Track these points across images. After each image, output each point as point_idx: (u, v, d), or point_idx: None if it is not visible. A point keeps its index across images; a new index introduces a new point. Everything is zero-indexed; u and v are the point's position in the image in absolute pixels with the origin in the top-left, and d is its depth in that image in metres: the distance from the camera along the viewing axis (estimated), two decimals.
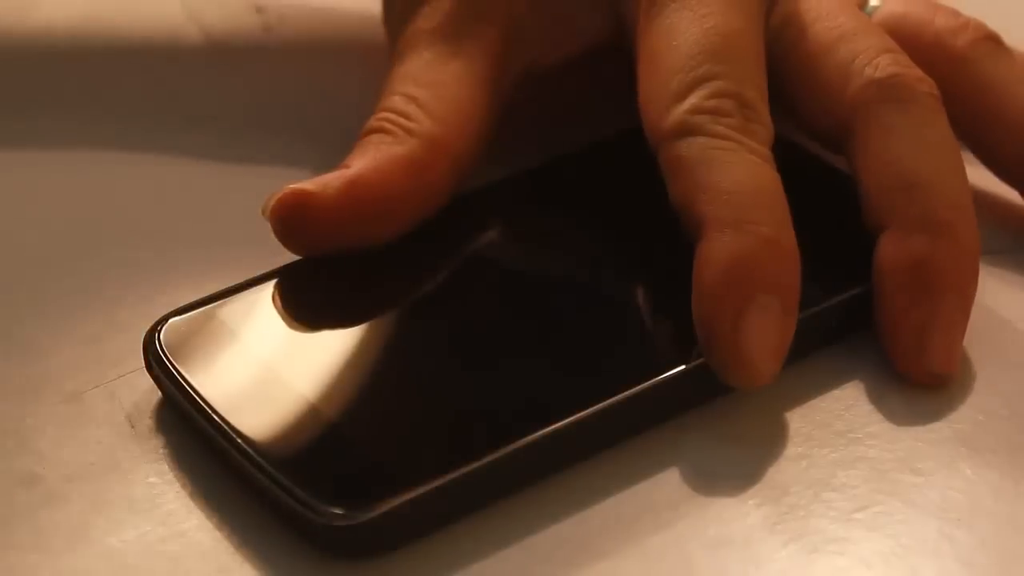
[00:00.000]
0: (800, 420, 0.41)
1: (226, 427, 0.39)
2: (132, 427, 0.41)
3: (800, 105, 0.45)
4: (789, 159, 0.43)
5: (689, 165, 0.42)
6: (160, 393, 0.41)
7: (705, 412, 0.41)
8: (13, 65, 0.54)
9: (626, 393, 0.40)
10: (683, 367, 0.40)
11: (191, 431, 0.40)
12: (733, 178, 0.41)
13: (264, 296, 0.42)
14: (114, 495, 0.39)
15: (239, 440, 0.38)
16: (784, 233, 0.41)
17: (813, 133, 0.46)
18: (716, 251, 0.40)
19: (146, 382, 0.41)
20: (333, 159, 0.44)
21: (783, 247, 0.41)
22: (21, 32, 0.55)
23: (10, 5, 0.56)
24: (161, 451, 0.40)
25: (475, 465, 0.38)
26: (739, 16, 0.44)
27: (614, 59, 0.47)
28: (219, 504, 0.39)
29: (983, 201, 0.47)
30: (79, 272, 0.45)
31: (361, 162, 0.43)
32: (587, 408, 0.39)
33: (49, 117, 0.52)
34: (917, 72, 0.45)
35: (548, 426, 0.39)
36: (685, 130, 0.42)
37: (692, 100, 0.42)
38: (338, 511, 0.37)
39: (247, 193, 0.47)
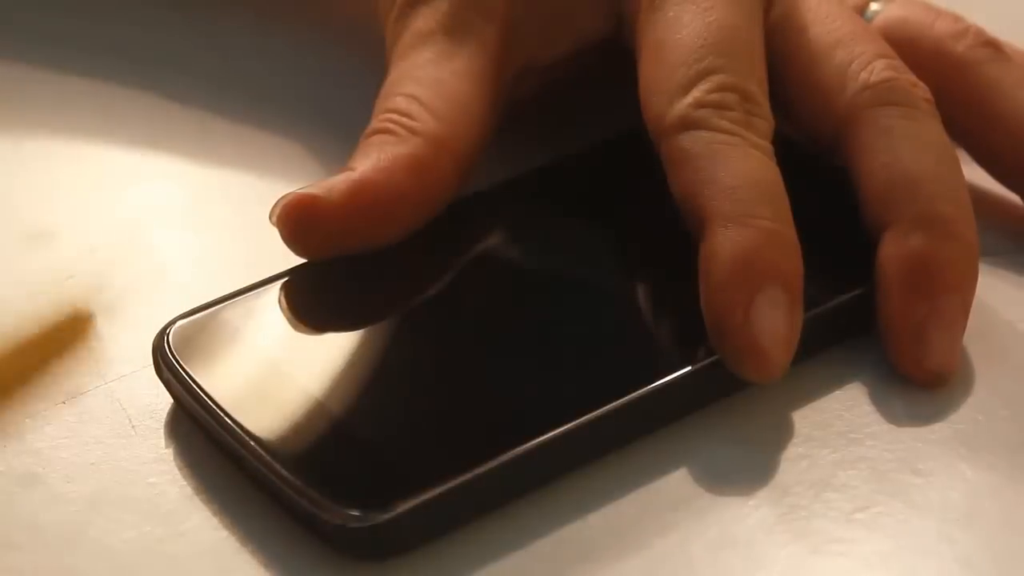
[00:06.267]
0: (801, 421, 0.41)
1: (238, 430, 0.39)
2: (132, 427, 0.41)
3: (795, 107, 0.46)
4: (789, 158, 0.43)
5: (692, 159, 0.42)
6: (163, 394, 0.41)
7: (706, 414, 0.41)
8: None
9: (637, 393, 0.40)
10: (689, 368, 0.40)
11: (201, 433, 0.40)
12: (735, 172, 0.41)
13: (272, 298, 0.42)
14: (114, 495, 0.39)
15: (252, 442, 0.38)
16: (785, 226, 0.41)
17: (807, 134, 0.46)
18: (722, 245, 0.40)
19: (146, 382, 0.41)
20: (336, 155, 0.44)
21: (785, 239, 0.41)
22: None
23: None
24: (161, 451, 0.40)
25: (487, 467, 0.38)
26: (739, 11, 0.44)
27: (613, 55, 0.47)
28: (219, 504, 0.39)
29: (982, 202, 0.47)
30: (79, 272, 0.46)
31: (365, 163, 0.43)
32: (597, 410, 0.39)
33: (47, 116, 0.52)
34: (911, 77, 0.45)
35: (559, 428, 0.39)
36: (688, 124, 0.42)
37: (695, 94, 0.43)
38: (354, 512, 0.37)
39: (251, 194, 0.47)
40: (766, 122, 0.43)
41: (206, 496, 0.39)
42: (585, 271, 0.44)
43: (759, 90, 0.43)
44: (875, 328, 0.42)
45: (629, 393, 0.40)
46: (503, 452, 0.38)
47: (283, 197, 0.43)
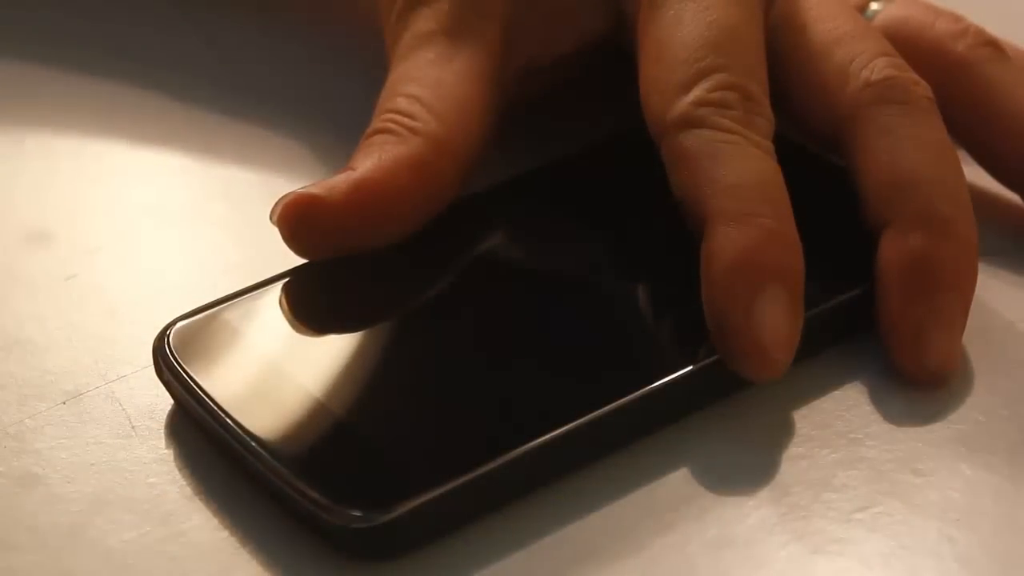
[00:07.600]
0: (801, 421, 0.41)
1: (240, 431, 0.39)
2: (132, 428, 0.41)
3: (796, 104, 0.46)
4: (789, 157, 0.43)
5: (693, 157, 0.42)
6: (163, 394, 0.41)
7: (706, 414, 0.41)
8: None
9: (638, 393, 0.40)
10: (689, 368, 0.40)
11: (201, 434, 0.40)
12: (737, 171, 0.42)
13: (272, 299, 0.42)
14: (114, 495, 0.39)
15: (253, 443, 0.38)
16: (786, 225, 0.41)
17: (807, 132, 0.46)
18: (723, 244, 0.40)
19: (146, 383, 0.41)
20: (337, 155, 0.44)
21: (786, 238, 0.41)
22: None
23: None
24: (161, 452, 0.40)
25: (488, 467, 0.38)
26: (740, 9, 0.44)
27: (613, 55, 0.47)
28: (219, 504, 0.39)
29: (982, 202, 0.47)
30: (79, 272, 0.46)
31: (366, 163, 0.43)
32: (597, 410, 0.39)
33: (48, 115, 0.52)
34: (912, 75, 0.45)
35: (559, 428, 0.39)
36: (689, 122, 0.42)
37: (696, 92, 0.43)
38: (355, 513, 0.37)
39: (251, 194, 0.47)
40: (767, 121, 0.43)
41: (206, 496, 0.39)
42: (585, 271, 0.44)
43: (760, 89, 0.43)
44: (875, 328, 0.42)
45: (630, 393, 0.40)
46: (504, 452, 0.38)
47: (283, 197, 0.43)
